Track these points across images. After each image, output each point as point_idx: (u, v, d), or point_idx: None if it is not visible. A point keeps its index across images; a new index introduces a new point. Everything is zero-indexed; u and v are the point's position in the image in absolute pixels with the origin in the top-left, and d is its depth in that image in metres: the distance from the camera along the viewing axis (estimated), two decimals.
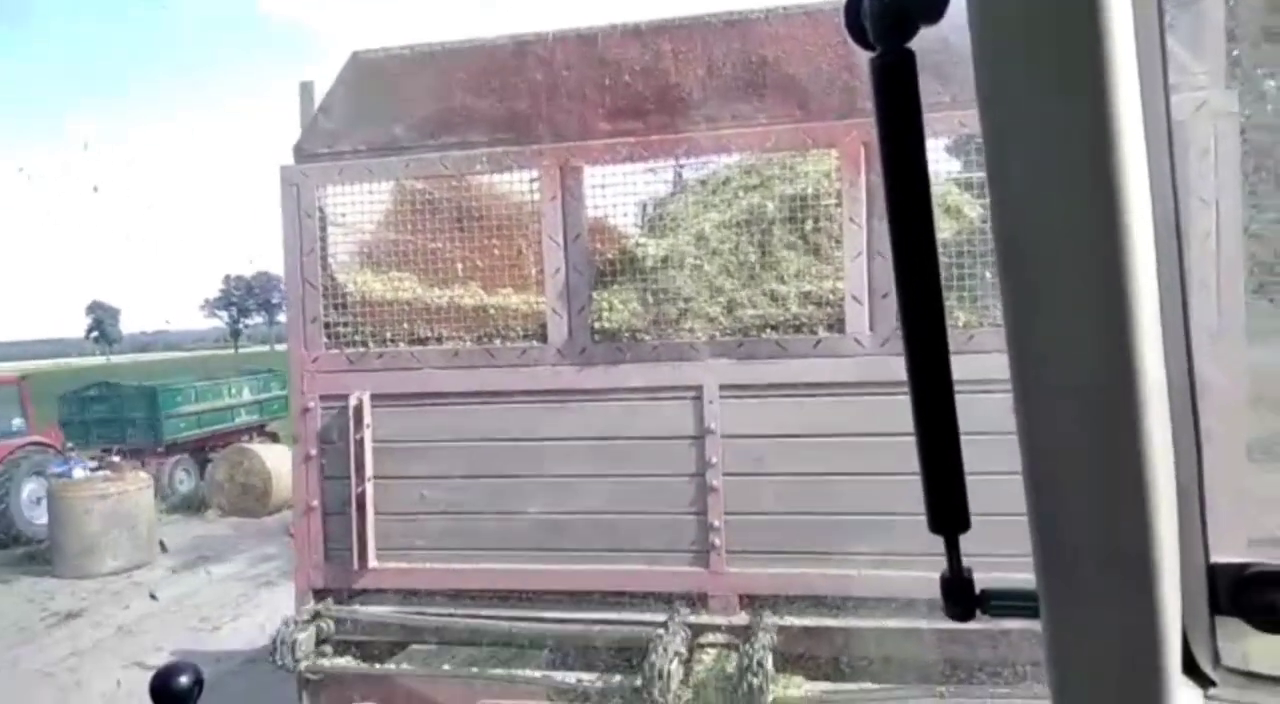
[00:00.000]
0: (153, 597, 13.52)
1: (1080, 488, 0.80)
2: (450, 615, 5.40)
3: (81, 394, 21.07)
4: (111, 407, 20.51)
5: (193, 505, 19.58)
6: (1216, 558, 0.87)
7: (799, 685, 4.96)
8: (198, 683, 4.91)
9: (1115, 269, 0.74)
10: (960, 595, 0.92)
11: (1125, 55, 0.71)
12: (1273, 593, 0.83)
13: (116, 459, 17.85)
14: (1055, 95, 0.73)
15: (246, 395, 22.49)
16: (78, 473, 16.64)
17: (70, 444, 18.84)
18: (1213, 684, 0.88)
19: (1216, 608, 0.87)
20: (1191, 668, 0.86)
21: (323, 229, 5.58)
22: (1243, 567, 0.86)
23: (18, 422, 18.17)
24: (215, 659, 9.88)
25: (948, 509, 0.88)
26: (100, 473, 16.74)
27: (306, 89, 5.65)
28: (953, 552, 0.91)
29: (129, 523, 15.65)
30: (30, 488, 17.36)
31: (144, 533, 15.94)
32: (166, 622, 12.80)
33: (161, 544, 15.96)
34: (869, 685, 4.93)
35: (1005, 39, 0.74)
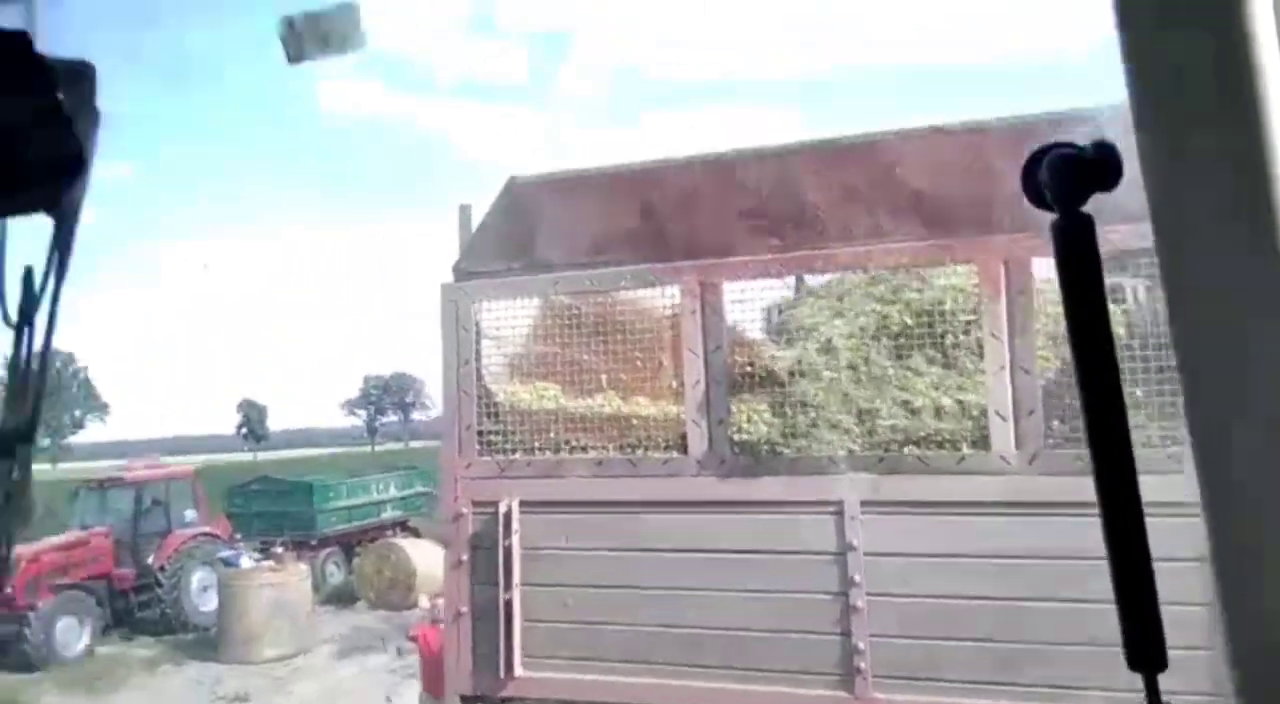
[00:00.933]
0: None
1: (1275, 628, 0.79)
2: None
3: (246, 488, 22.42)
4: (272, 499, 21.68)
5: (342, 597, 20.21)
6: None
7: None
8: None
9: None
10: None
11: None
12: None
13: (280, 550, 18.70)
14: (1226, 208, 0.76)
15: (392, 491, 23.34)
16: (244, 562, 17.58)
17: (238, 535, 19.94)
18: None
19: None
20: None
21: (478, 342, 5.92)
22: None
23: (190, 513, 19.37)
24: None
25: (1145, 645, 0.85)
26: (265, 563, 17.60)
27: (465, 211, 6.10)
28: (1152, 690, 0.86)
29: (290, 612, 16.32)
30: (199, 577, 18.38)
31: (303, 622, 16.56)
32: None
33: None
34: None
35: (1186, 221, 0.77)
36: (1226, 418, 0.79)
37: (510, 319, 6.00)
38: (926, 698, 4.91)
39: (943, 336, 5.29)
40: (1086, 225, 0.84)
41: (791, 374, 5.40)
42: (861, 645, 4.99)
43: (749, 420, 5.42)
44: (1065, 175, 0.84)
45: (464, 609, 5.74)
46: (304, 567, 17.84)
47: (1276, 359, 0.76)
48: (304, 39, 1.43)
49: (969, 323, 5.19)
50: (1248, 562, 0.80)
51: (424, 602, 10.54)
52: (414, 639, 9.93)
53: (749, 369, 5.63)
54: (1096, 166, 0.84)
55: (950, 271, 5.41)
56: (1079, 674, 4.37)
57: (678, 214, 5.70)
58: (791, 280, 6.05)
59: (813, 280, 6.06)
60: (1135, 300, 5.04)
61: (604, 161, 6.21)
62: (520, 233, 5.97)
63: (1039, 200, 0.86)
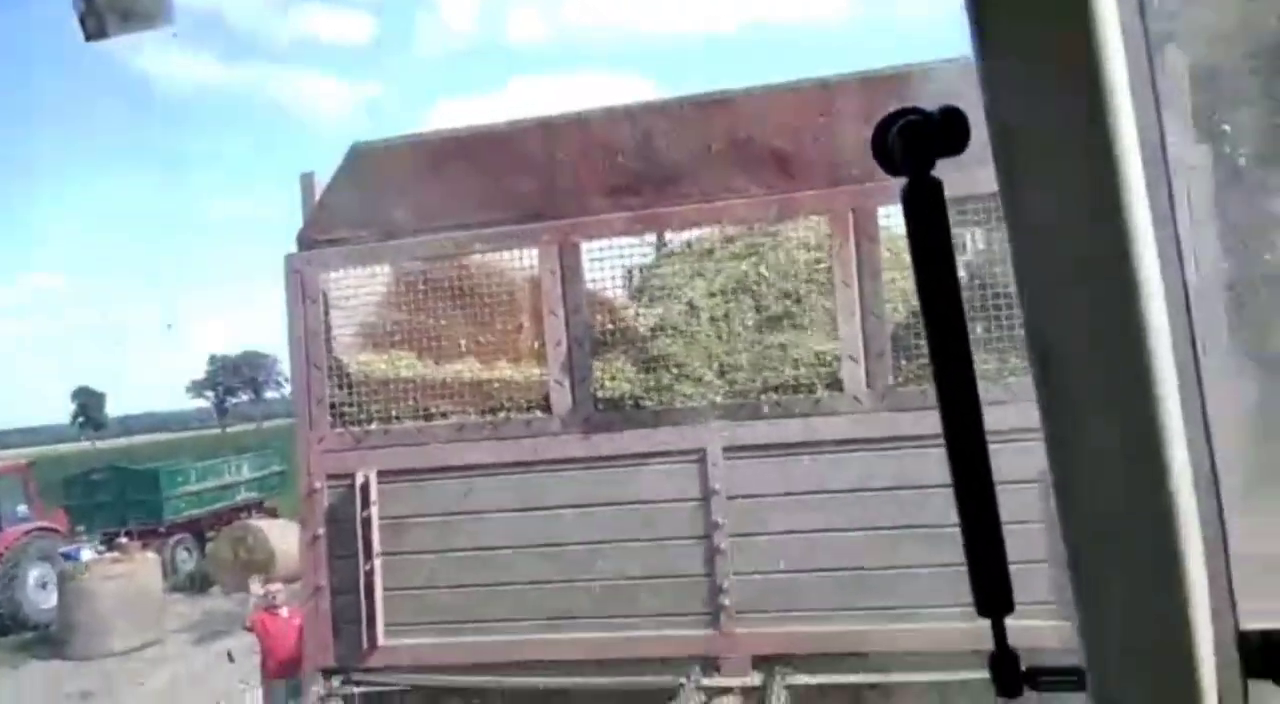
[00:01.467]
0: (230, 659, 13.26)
1: (1117, 567, 0.85)
2: (465, 687, 5.40)
3: (86, 478, 21.09)
4: (114, 489, 20.47)
5: (196, 583, 19.42)
6: (1246, 625, 0.91)
7: None
8: None
9: (1133, 333, 0.79)
10: (1008, 673, 0.92)
11: (1123, 103, 0.77)
12: None
13: (124, 541, 17.78)
14: (1066, 146, 0.79)
15: (246, 473, 22.46)
16: (86, 555, 16.63)
17: (80, 528, 18.83)
18: None
19: (1249, 673, 0.91)
20: None
21: (326, 313, 5.72)
22: (1271, 632, 0.90)
23: (22, 508, 18.13)
24: None
25: (993, 591, 0.89)
26: (109, 555, 16.71)
27: (307, 180, 5.83)
28: (999, 632, 0.91)
29: (138, 603, 15.57)
30: (36, 573, 17.26)
31: (153, 612, 15.84)
32: (182, 698, 12.67)
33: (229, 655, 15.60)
34: None
35: (1016, 98, 0.80)
36: (1064, 349, 0.82)
37: (361, 288, 5.81)
38: (785, 628, 5.14)
39: (798, 290, 5.45)
40: (935, 189, 0.85)
41: (655, 332, 5.45)
42: (725, 584, 5.16)
43: (612, 378, 5.46)
44: (914, 141, 0.85)
45: (322, 584, 5.60)
46: (151, 556, 17.00)
47: (1109, 291, 0.80)
48: (104, 14, 1.33)
49: (823, 273, 5.36)
50: (1084, 481, 0.84)
51: (256, 588, 9.94)
52: (250, 628, 9.46)
53: (611, 327, 5.66)
54: (944, 131, 0.85)
55: (803, 226, 5.57)
56: (929, 595, 4.65)
57: (532, 175, 5.62)
58: (653, 240, 6.08)
59: (674, 240, 6.12)
60: (974, 246, 5.31)
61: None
62: (367, 199, 5.76)
63: (889, 165, 0.87)
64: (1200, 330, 0.92)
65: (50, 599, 16.63)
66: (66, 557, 17.03)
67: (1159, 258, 0.81)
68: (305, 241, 5.77)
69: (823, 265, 5.39)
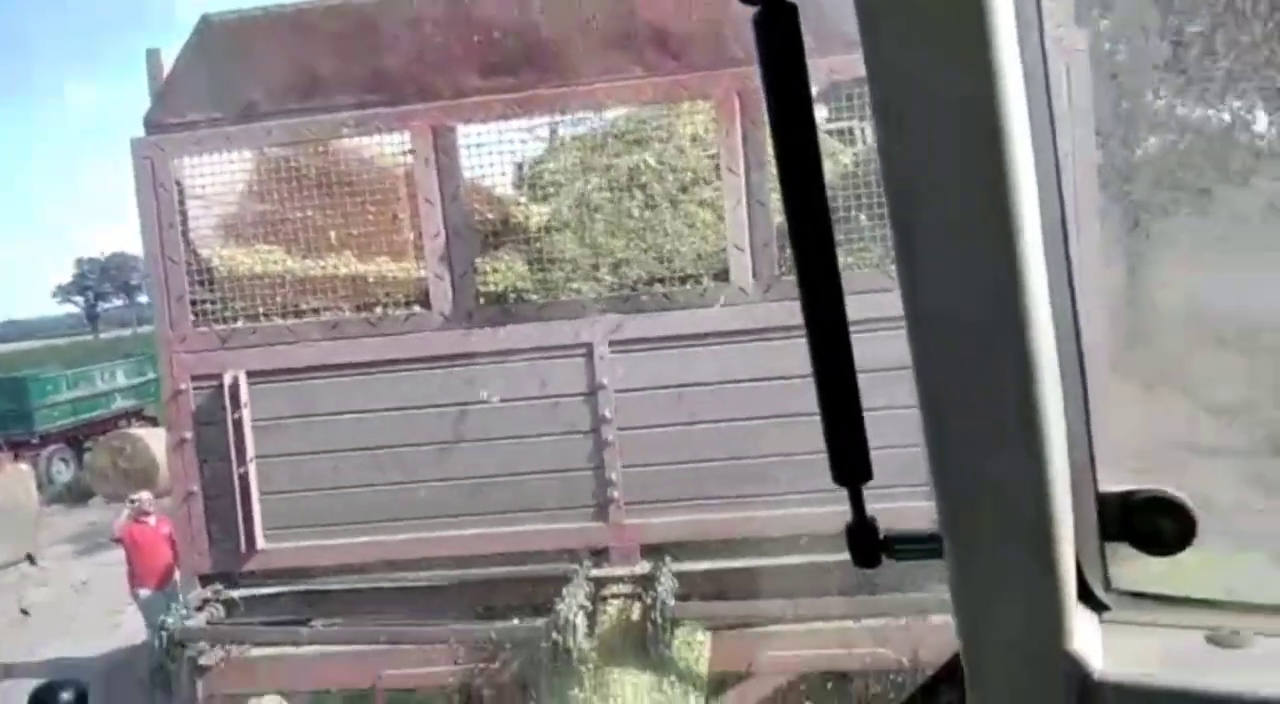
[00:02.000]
0: (24, 612, 12.83)
1: (973, 426, 0.82)
2: (345, 588, 5.33)
3: None
4: None
5: (74, 494, 18.77)
6: (1105, 487, 0.90)
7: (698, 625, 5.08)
8: (81, 697, 4.69)
9: (1002, 212, 0.75)
10: (865, 543, 0.91)
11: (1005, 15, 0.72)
12: (1157, 518, 0.87)
13: None
14: (938, 38, 0.74)
15: (121, 380, 21.53)
16: None
17: None
18: (1105, 608, 0.93)
19: (1106, 535, 0.90)
20: (1086, 594, 0.90)
21: (182, 203, 5.32)
22: (1129, 493, 0.89)
23: None
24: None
25: (850, 460, 0.87)
26: None
27: (153, 56, 5.33)
28: (856, 501, 0.90)
29: (11, 515, 14.92)
30: None
31: (29, 524, 15.23)
32: (67, 611, 12.32)
33: (30, 557, 15.09)
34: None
35: (896, 41, 0.75)
36: (926, 250, 0.79)
37: (219, 176, 5.40)
38: (672, 517, 5.20)
39: (684, 180, 5.32)
40: (789, 14, 0.78)
41: (545, 230, 5.27)
42: (613, 477, 5.18)
43: (494, 272, 5.28)
44: None
45: (194, 489, 5.37)
46: (25, 467, 16.23)
47: (974, 175, 0.76)
48: None
49: (710, 161, 5.24)
50: (945, 369, 0.82)
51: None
52: (118, 540, 9.03)
53: (494, 219, 5.44)
54: None
55: (691, 118, 5.41)
56: (809, 482, 4.75)
57: (401, 52, 5.25)
58: (536, 128, 5.81)
59: (566, 131, 5.85)
60: (864, 142, 5.27)
61: None
62: (221, 78, 5.30)
63: None
64: (1070, 206, 0.88)
65: None
66: None
67: (1031, 138, 0.77)
68: (154, 125, 5.30)
69: (710, 153, 5.26)
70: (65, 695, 4.60)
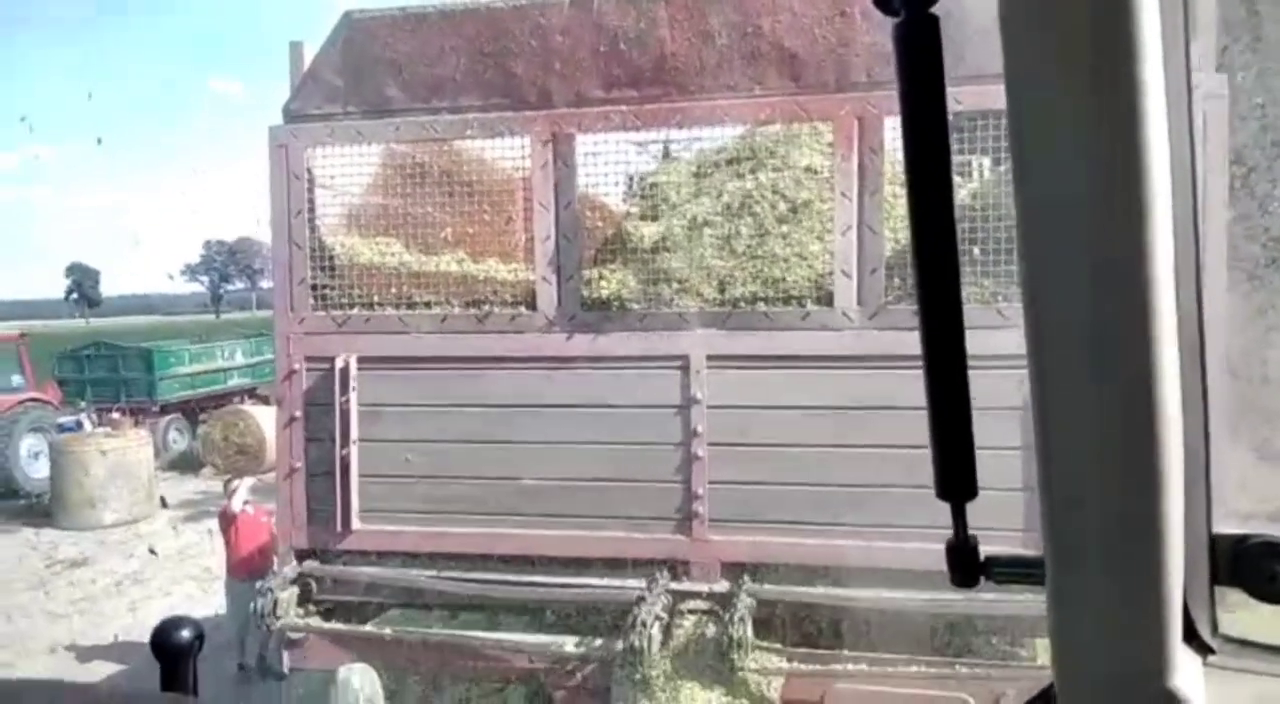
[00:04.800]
0: (152, 551, 13.60)
1: (1088, 455, 0.81)
2: (434, 577, 5.45)
3: (78, 353, 21.19)
4: (108, 366, 20.65)
5: (186, 464, 19.75)
6: (1219, 528, 0.87)
7: (777, 652, 5.02)
8: (199, 637, 4.95)
9: (1134, 244, 0.75)
10: (965, 562, 0.91)
11: (1150, 28, 0.71)
12: (1271, 563, 0.84)
13: (116, 416, 17.95)
14: (1082, 71, 0.73)
15: (239, 358, 22.60)
16: (86, 426, 16.83)
17: (79, 402, 19.03)
18: (1211, 652, 0.89)
19: (1217, 578, 0.87)
20: (1191, 636, 0.87)
21: (311, 191, 5.55)
22: (1244, 537, 0.86)
23: (17, 378, 18.29)
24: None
25: (956, 475, 0.87)
26: (102, 429, 16.88)
27: (296, 49, 5.59)
28: (959, 518, 0.89)
29: (130, 477, 15.82)
30: (29, 443, 17.49)
31: (144, 487, 16.11)
32: (170, 571, 12.98)
33: (162, 500, 16.05)
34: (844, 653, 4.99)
35: (1033, 9, 0.74)
36: (1054, 276, 0.79)
37: (348, 168, 5.62)
38: (756, 537, 5.16)
39: (797, 202, 5.30)
40: (931, 26, 0.78)
41: (655, 245, 5.32)
42: (700, 491, 5.16)
43: (601, 279, 5.34)
44: None
45: (298, 465, 5.58)
46: (144, 433, 17.22)
47: (1109, 216, 0.75)
48: None
49: (824, 182, 5.20)
50: (1066, 411, 0.81)
51: (240, 486, 9.31)
52: (225, 518, 9.09)
53: (600, 226, 5.52)
54: None
55: (810, 133, 5.39)
56: (900, 516, 4.65)
57: (530, 59, 5.39)
58: (652, 144, 5.87)
59: (678, 147, 5.90)
60: (980, 177, 5.16)
61: None
62: (358, 73, 5.53)
63: (884, 4, 0.79)
64: (1206, 249, 0.86)
65: (41, 469, 16.91)
66: (63, 428, 17.24)
67: (1170, 183, 0.76)
68: (291, 114, 5.57)
69: (824, 177, 5.23)
70: (185, 633, 4.85)
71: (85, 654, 10.11)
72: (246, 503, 8.85)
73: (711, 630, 5.03)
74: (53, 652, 10.29)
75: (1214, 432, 0.87)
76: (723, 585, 5.16)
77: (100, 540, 14.77)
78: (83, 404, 18.95)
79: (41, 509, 16.39)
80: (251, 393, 22.37)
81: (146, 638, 1.46)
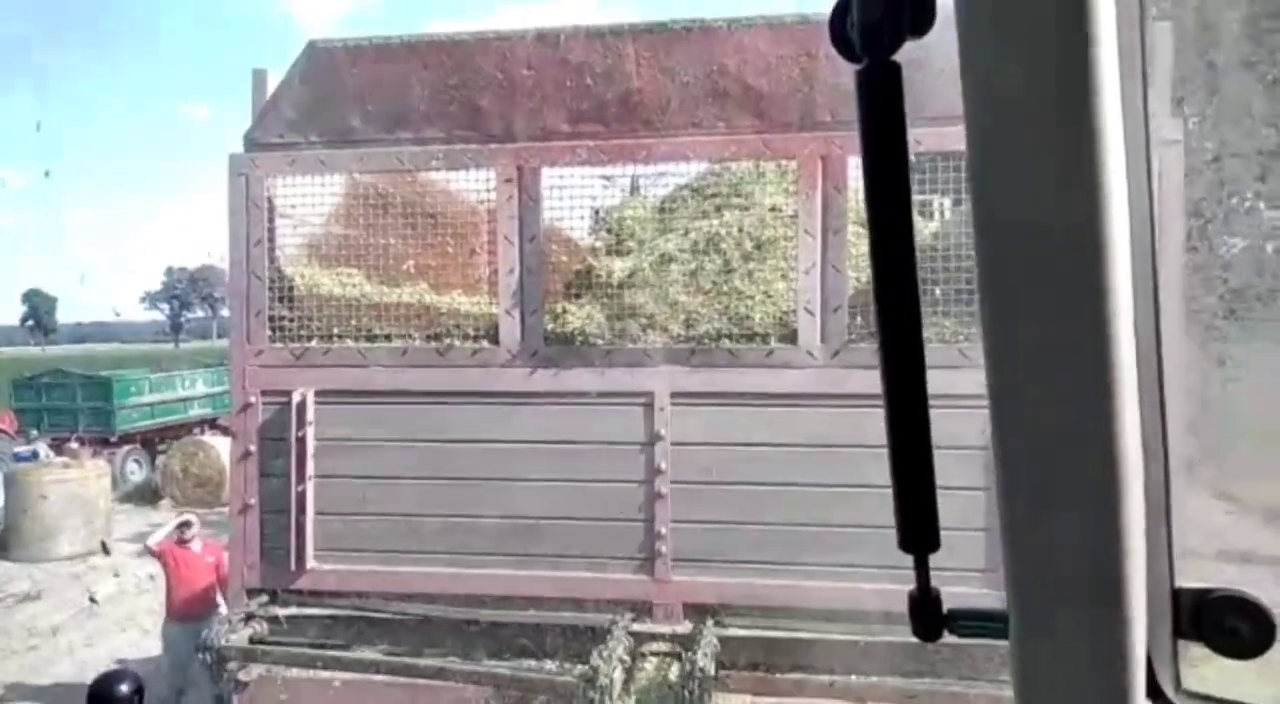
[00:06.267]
0: (92, 600, 13.16)
1: (1052, 511, 0.80)
2: (390, 616, 5.31)
3: (36, 381, 20.79)
4: (66, 394, 20.27)
5: (144, 495, 19.32)
6: (1181, 582, 0.87)
7: (740, 695, 4.94)
8: (138, 691, 4.77)
9: (1094, 292, 0.74)
10: (928, 615, 0.90)
11: (1109, 74, 0.72)
12: (1234, 618, 0.84)
13: (74, 445, 17.56)
14: (1042, 110, 0.73)
15: (200, 388, 22.26)
16: (42, 455, 16.46)
17: (34, 431, 18.62)
18: None
19: (1180, 632, 0.87)
20: (1154, 691, 0.87)
21: (271, 221, 5.47)
22: (1206, 591, 0.86)
23: None
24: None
25: (918, 528, 0.87)
26: (59, 459, 16.51)
27: (259, 77, 5.53)
28: (921, 571, 0.89)
29: (86, 509, 15.45)
30: None
31: (101, 519, 15.73)
32: (126, 606, 12.64)
33: (104, 545, 15.51)
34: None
35: (993, 53, 0.74)
36: (1016, 316, 0.78)
37: (309, 197, 5.55)
38: (720, 578, 5.09)
39: (761, 240, 5.30)
40: (893, 73, 0.78)
41: (621, 282, 5.29)
42: (663, 530, 5.10)
43: (565, 313, 5.30)
44: (875, 19, 0.79)
45: (251, 501, 5.44)
46: (102, 463, 16.85)
47: (1068, 259, 0.76)
48: None
49: (788, 223, 5.21)
50: (1025, 452, 0.81)
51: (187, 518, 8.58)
52: (156, 556, 8.33)
53: (564, 261, 5.49)
54: (907, 10, 0.78)
55: (773, 187, 5.41)
56: (863, 555, 4.61)
57: (496, 92, 5.37)
58: (616, 177, 5.85)
59: (646, 182, 5.90)
60: (942, 217, 5.20)
61: None
62: (320, 102, 5.48)
63: (847, 51, 0.81)
64: (1164, 299, 0.87)
65: None
66: (19, 458, 16.82)
67: (1129, 229, 0.76)
68: (252, 142, 5.50)
69: (788, 215, 5.24)
70: (123, 688, 4.68)
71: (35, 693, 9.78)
72: (190, 539, 8.25)
73: (674, 673, 4.93)
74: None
75: (1175, 484, 0.87)
76: (686, 626, 5.08)
77: (54, 573, 14.38)
78: (35, 433, 18.51)
79: None
80: (213, 424, 22.02)
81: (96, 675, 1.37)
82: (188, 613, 7.83)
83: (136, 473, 20.12)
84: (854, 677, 4.80)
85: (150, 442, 20.72)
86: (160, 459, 19.49)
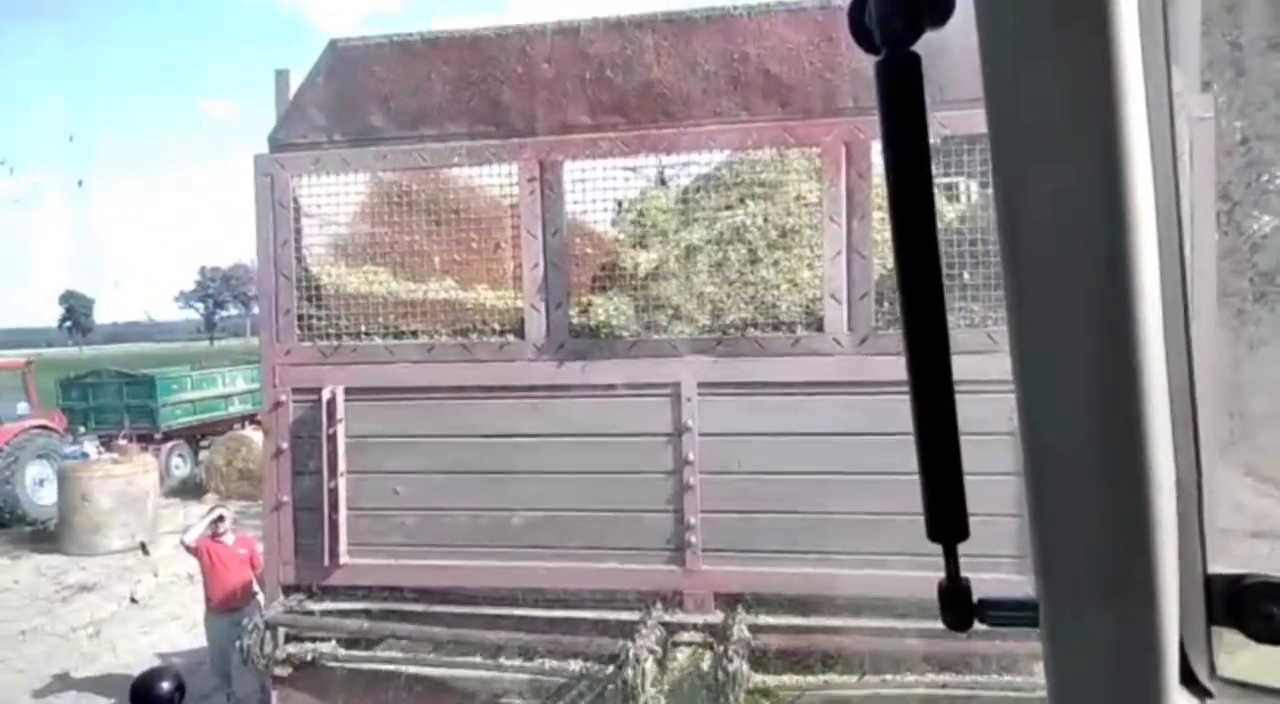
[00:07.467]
0: (133, 600, 13.42)
1: (1081, 497, 0.80)
2: (424, 611, 5.37)
3: (82, 380, 21.27)
4: (111, 393, 20.70)
5: (189, 489, 19.74)
6: (1214, 569, 0.86)
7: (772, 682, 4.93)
8: (179, 688, 4.87)
9: (1120, 277, 0.73)
10: (958, 604, 0.90)
11: (1131, 56, 0.71)
12: (1268, 604, 0.83)
13: (123, 442, 17.97)
14: (1063, 95, 0.72)
15: (240, 385, 22.59)
16: (91, 453, 16.88)
17: (82, 429, 19.07)
18: (1209, 695, 0.88)
19: (1213, 619, 0.86)
20: (1188, 678, 0.86)
21: (297, 220, 5.52)
22: (1239, 578, 0.85)
23: (23, 406, 18.34)
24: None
25: (946, 517, 0.86)
26: (108, 456, 16.91)
27: (282, 77, 5.58)
28: (950, 560, 0.88)
29: (135, 504, 15.83)
30: (34, 470, 17.51)
31: (149, 513, 16.11)
32: (175, 595, 12.95)
33: (143, 546, 15.78)
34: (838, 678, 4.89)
35: (1013, 41, 0.74)
36: (1042, 301, 0.78)
37: (334, 196, 5.59)
38: (750, 567, 5.09)
39: (787, 221, 5.26)
40: (913, 64, 0.78)
41: (646, 272, 5.28)
42: (693, 521, 5.09)
43: (591, 306, 5.30)
44: (893, 10, 0.79)
45: (285, 499, 5.52)
46: (150, 459, 17.24)
47: (1094, 240, 0.75)
48: None
49: (814, 210, 5.16)
50: (1053, 439, 0.80)
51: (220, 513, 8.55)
52: (192, 551, 8.39)
53: (589, 253, 5.48)
54: (926, 1, 0.78)
55: (799, 158, 5.35)
56: (894, 543, 4.57)
57: (517, 87, 5.37)
58: (641, 168, 5.82)
59: (669, 175, 5.86)
60: (968, 200, 5.12)
61: None
62: (343, 101, 5.51)
63: (866, 43, 0.80)
64: (1192, 282, 0.86)
65: (47, 496, 16.98)
66: (69, 456, 17.25)
67: (1155, 212, 0.75)
68: (277, 143, 5.55)
69: (813, 202, 5.19)
70: (165, 685, 4.79)
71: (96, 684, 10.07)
72: (224, 533, 8.40)
73: (706, 663, 4.93)
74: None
75: (1207, 469, 0.86)
76: (717, 616, 5.08)
77: (107, 566, 14.78)
78: (83, 431, 18.95)
79: (47, 535, 16.41)
80: (252, 419, 22.36)
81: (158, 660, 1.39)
82: (227, 604, 8.08)
83: (181, 468, 20.54)
84: (884, 669, 4.77)
85: (193, 438, 21.13)
86: (204, 454, 19.88)
